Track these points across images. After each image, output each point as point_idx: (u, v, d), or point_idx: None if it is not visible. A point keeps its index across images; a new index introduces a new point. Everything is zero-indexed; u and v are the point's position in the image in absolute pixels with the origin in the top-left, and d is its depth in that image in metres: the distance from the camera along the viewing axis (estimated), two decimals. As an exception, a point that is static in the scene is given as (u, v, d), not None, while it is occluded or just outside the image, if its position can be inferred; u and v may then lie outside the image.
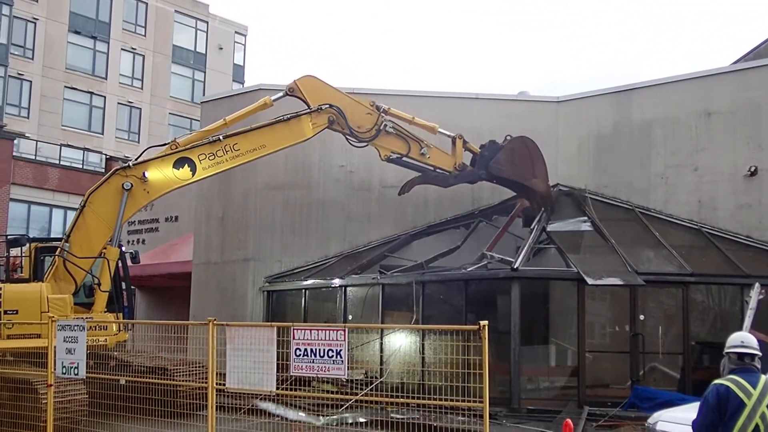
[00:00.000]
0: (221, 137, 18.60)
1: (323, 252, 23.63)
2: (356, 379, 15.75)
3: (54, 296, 16.85)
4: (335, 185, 23.76)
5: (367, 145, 20.04)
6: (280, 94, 19.74)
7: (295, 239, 23.66)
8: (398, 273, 20.41)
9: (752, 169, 20.54)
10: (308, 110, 19.28)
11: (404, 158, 20.14)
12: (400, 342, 18.90)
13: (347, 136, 19.87)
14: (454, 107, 24.26)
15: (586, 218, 20.92)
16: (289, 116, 19.14)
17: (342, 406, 15.59)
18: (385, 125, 19.74)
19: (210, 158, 18.46)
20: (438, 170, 20.51)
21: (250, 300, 23.35)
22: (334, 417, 15.41)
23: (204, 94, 55.67)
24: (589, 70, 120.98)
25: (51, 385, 13.22)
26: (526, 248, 19.07)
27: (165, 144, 19.15)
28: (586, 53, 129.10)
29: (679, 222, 21.20)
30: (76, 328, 12.86)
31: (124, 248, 19.45)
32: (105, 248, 17.78)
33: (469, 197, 22.90)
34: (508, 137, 20.91)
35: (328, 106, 19.35)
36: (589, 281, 17.79)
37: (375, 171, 22.49)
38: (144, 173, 17.92)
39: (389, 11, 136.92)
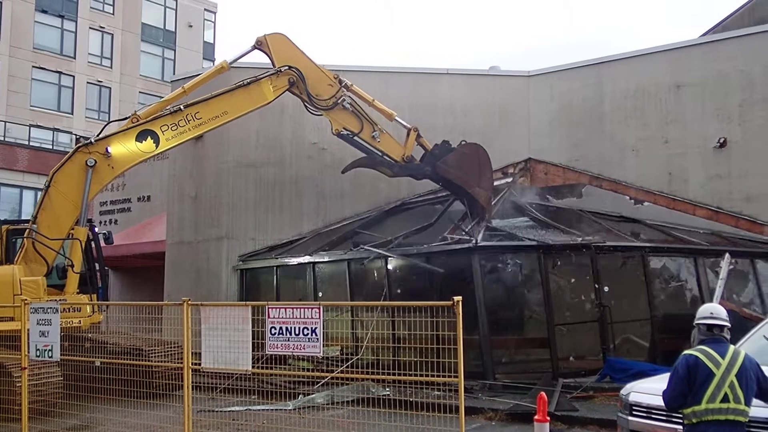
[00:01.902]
0: (182, 107, 18.49)
1: (297, 229, 23.63)
2: (332, 357, 15.81)
3: (26, 278, 16.75)
4: (308, 162, 23.72)
5: (321, 115, 19.97)
6: (238, 54, 19.73)
7: (269, 217, 23.63)
8: (365, 249, 20.42)
9: (721, 140, 20.73)
10: (268, 73, 19.26)
11: (355, 137, 19.99)
12: (372, 318, 18.93)
13: (305, 103, 19.78)
14: (424, 83, 24.34)
15: (527, 217, 21.04)
16: (248, 81, 19.10)
17: (317, 383, 15.67)
18: (344, 100, 19.66)
19: (173, 129, 18.35)
20: (386, 156, 20.36)
21: (225, 278, 23.32)
22: (305, 399, 15.49)
23: (174, 73, 55.32)
24: (562, 38, 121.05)
25: (25, 368, 13.16)
26: (482, 232, 19.13)
27: (126, 118, 19.04)
28: (558, 22, 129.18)
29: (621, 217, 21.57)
30: (49, 310, 12.78)
31: (97, 229, 19.36)
32: (73, 229, 17.66)
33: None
34: (463, 142, 20.80)
35: (287, 67, 19.31)
36: (551, 241, 18.08)
37: (347, 148, 22.38)
38: (107, 148, 17.78)
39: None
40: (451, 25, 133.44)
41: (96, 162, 17.65)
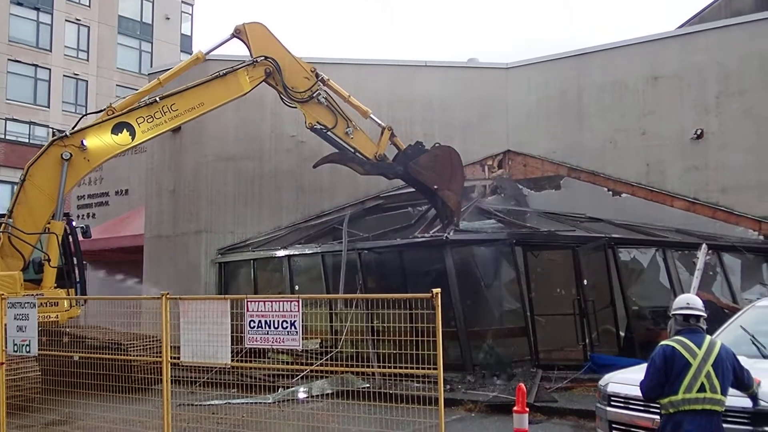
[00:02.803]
0: (158, 99, 18.41)
1: (276, 223, 23.60)
2: (311, 349, 15.80)
3: (3, 273, 16.63)
4: (287, 156, 23.66)
5: (295, 107, 19.91)
6: (215, 43, 19.74)
7: (248, 210, 23.57)
8: (339, 243, 20.41)
9: (698, 132, 20.87)
10: (244, 64, 19.20)
11: (328, 132, 19.90)
12: (350, 311, 18.90)
13: (280, 95, 19.74)
14: (403, 75, 24.34)
15: (494, 219, 21.14)
16: (225, 71, 19.03)
17: (296, 376, 15.67)
18: (319, 94, 19.61)
19: (148, 121, 18.27)
20: (358, 154, 20.27)
21: (204, 272, 23.25)
22: (285, 392, 15.48)
23: (151, 65, 54.99)
24: (538, 34, 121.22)
25: (2, 363, 13.07)
26: (452, 231, 19.19)
27: (101, 111, 18.93)
28: (535, 17, 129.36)
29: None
30: (26, 305, 12.69)
31: (74, 223, 19.24)
32: (49, 223, 17.55)
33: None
34: (437, 144, 20.78)
35: (263, 58, 19.24)
36: (524, 232, 18.22)
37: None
38: (82, 141, 17.67)
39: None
40: (450, 25, 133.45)
41: (71, 155, 17.54)
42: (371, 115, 20.24)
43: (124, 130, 18.09)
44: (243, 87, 19.19)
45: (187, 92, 18.74)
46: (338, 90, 19.96)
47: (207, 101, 18.90)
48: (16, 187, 18.09)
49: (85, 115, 20.88)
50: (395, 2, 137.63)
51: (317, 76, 19.60)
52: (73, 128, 18.27)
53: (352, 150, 20.18)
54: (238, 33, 19.42)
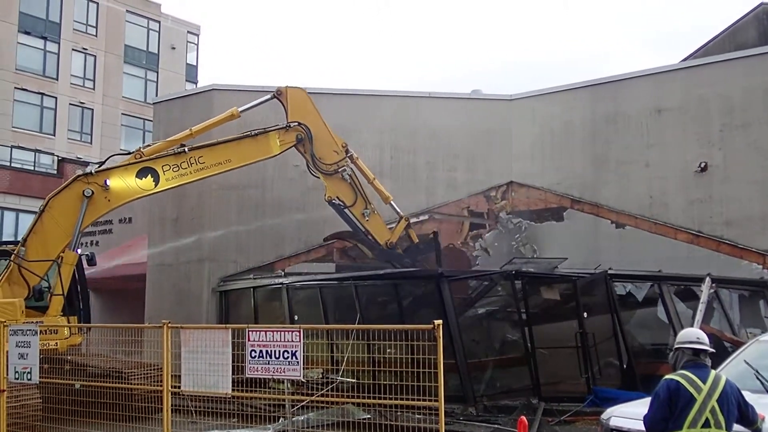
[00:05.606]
0: (186, 149, 18.42)
1: (278, 252, 23.56)
2: (312, 380, 15.72)
3: (3, 300, 16.63)
4: (290, 185, 23.65)
5: (318, 177, 19.96)
6: (251, 104, 19.77)
7: (250, 239, 23.55)
8: (335, 275, 20.35)
9: (702, 164, 20.85)
10: (277, 127, 19.23)
11: (345, 209, 19.98)
12: (350, 342, 18.86)
13: (307, 163, 19.77)
14: (407, 106, 24.37)
15: None
16: (256, 132, 19.06)
17: (296, 406, 15.58)
18: (345, 170, 19.68)
19: (174, 170, 18.28)
20: (370, 236, 20.30)
21: (206, 301, 23.19)
22: (285, 422, 15.38)
23: (157, 95, 55.20)
24: (545, 60, 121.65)
25: (4, 391, 13.05)
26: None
27: (129, 153, 19.00)
28: (542, 44, 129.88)
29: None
30: (28, 332, 12.71)
31: (79, 250, 19.27)
32: (63, 252, 17.58)
33: (423, 198, 22.90)
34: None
35: (297, 124, 19.28)
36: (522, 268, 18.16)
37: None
38: (106, 181, 17.71)
39: (340, 10, 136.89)
40: (426, 56, 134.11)
41: (93, 193, 17.59)
42: (392, 202, 20.33)
43: (149, 175, 18.12)
44: (272, 149, 19.25)
45: (216, 147, 18.79)
46: (364, 170, 20.03)
47: (235, 158, 18.94)
48: (23, 214, 18.07)
49: (113, 155, 20.90)
50: (394, 11, 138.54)
51: (347, 152, 19.69)
52: (99, 166, 18.38)
53: (364, 231, 20.17)
54: (279, 94, 19.59)
